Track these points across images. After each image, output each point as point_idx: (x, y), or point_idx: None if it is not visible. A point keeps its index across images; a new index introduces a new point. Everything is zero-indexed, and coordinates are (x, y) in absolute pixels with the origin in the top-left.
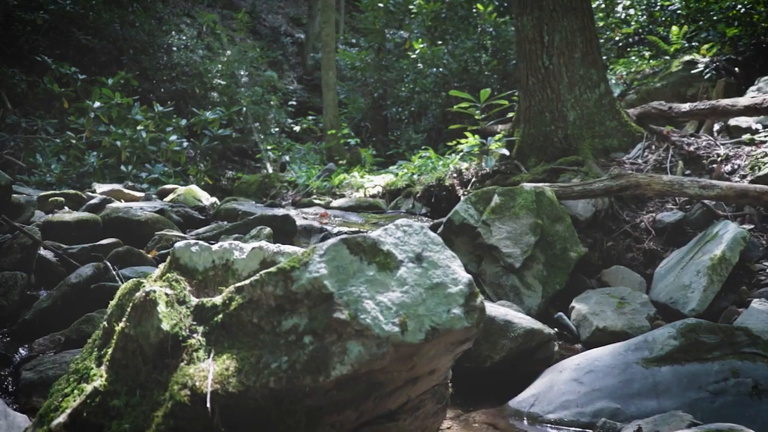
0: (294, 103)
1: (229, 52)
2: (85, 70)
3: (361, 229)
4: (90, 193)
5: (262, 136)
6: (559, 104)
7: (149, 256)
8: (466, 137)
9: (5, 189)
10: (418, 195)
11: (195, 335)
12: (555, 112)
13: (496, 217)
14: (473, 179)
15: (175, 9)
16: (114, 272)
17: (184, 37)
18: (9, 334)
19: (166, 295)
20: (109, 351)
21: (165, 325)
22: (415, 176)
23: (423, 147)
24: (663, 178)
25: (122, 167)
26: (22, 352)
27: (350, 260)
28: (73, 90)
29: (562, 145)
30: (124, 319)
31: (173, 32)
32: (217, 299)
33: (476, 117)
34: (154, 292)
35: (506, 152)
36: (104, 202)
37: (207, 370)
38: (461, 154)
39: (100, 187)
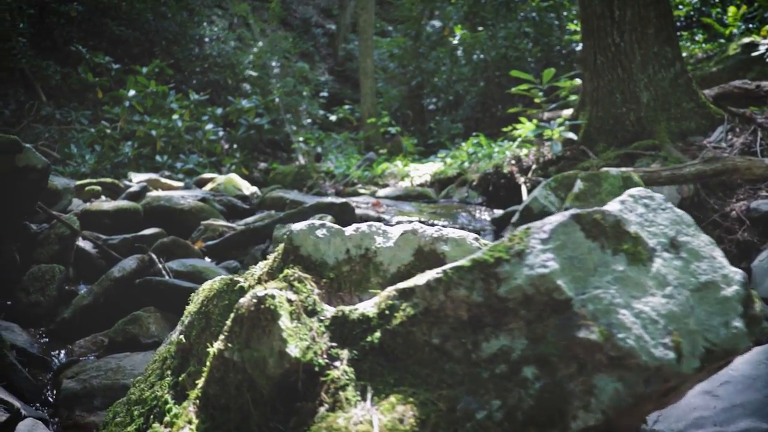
0: (326, 94)
1: (260, 43)
2: (117, 62)
3: (421, 219)
4: (127, 182)
5: (294, 128)
6: (631, 84)
7: (195, 247)
8: (520, 123)
9: (42, 173)
10: (474, 183)
11: (338, 364)
12: (626, 93)
13: (580, 204)
14: (534, 166)
15: (206, 0)
16: (160, 265)
17: (216, 29)
18: (47, 334)
19: (289, 302)
20: (199, 383)
21: (292, 349)
22: (466, 164)
23: (474, 134)
24: (766, 162)
25: (157, 157)
26: (62, 354)
27: (588, 248)
28: (108, 80)
29: (635, 129)
30: (221, 337)
31: (205, 23)
32: (368, 308)
33: (536, 100)
34: (273, 297)
35: (573, 136)
36: (144, 191)
37: (368, 422)
38: (519, 140)
39: (136, 177)
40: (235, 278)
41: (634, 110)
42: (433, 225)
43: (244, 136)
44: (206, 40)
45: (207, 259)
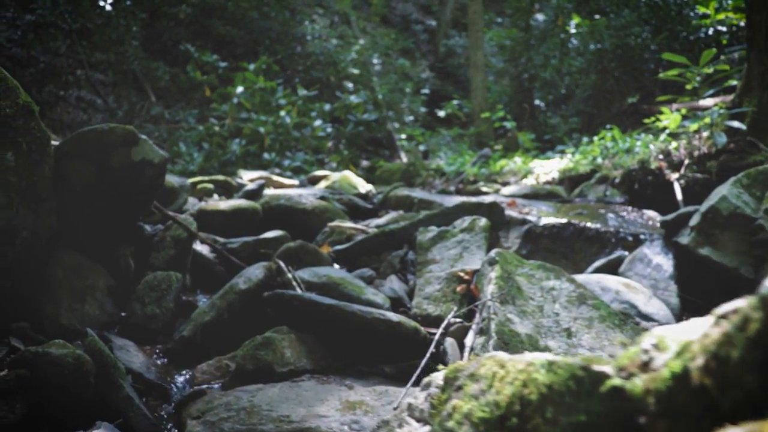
0: (426, 91)
1: (362, 41)
2: (223, 62)
3: (572, 221)
4: (239, 180)
5: (397, 125)
6: None
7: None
8: (654, 116)
9: (159, 168)
10: (616, 181)
11: None
12: None
13: None
14: (686, 161)
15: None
16: (289, 275)
17: (317, 27)
18: (164, 354)
19: None
20: None
21: None
22: (599, 160)
23: (608, 127)
24: None
25: (265, 155)
26: (182, 380)
27: None
28: (215, 77)
29: None
30: None
31: (306, 22)
32: None
33: (689, 86)
34: None
35: (740, 126)
36: (261, 188)
37: None
38: (666, 132)
39: (246, 174)
40: (595, 367)
41: None
42: (583, 227)
43: (351, 133)
44: (308, 38)
45: (336, 266)
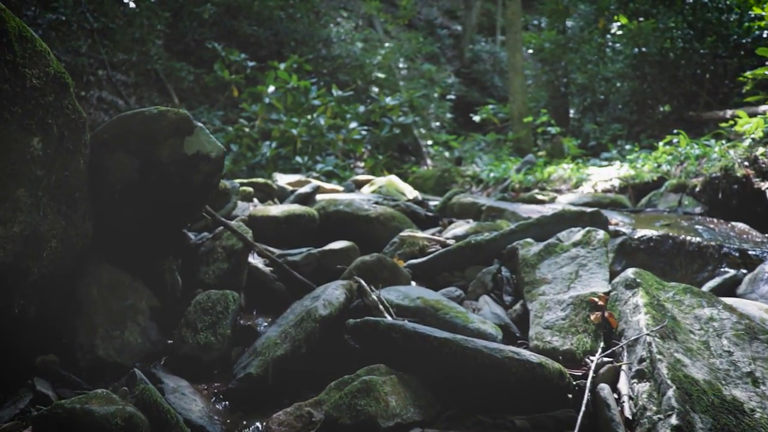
0: (452, 97)
1: (387, 44)
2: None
3: (671, 234)
4: (278, 183)
5: (423, 131)
6: None
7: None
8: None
9: (216, 164)
10: (697, 189)
11: None
12: None
13: None
14: None
15: (332, 2)
16: (374, 296)
17: (342, 30)
18: (225, 396)
19: None
20: None
21: None
22: (665, 167)
23: (675, 131)
24: None
25: (297, 158)
26: None
27: None
28: (242, 77)
29: None
30: None
31: (331, 25)
32: None
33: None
34: None
35: None
36: (315, 192)
37: None
38: (750, 137)
39: (283, 178)
40: None
41: None
42: (683, 240)
43: (387, 136)
44: (333, 41)
45: (413, 283)
